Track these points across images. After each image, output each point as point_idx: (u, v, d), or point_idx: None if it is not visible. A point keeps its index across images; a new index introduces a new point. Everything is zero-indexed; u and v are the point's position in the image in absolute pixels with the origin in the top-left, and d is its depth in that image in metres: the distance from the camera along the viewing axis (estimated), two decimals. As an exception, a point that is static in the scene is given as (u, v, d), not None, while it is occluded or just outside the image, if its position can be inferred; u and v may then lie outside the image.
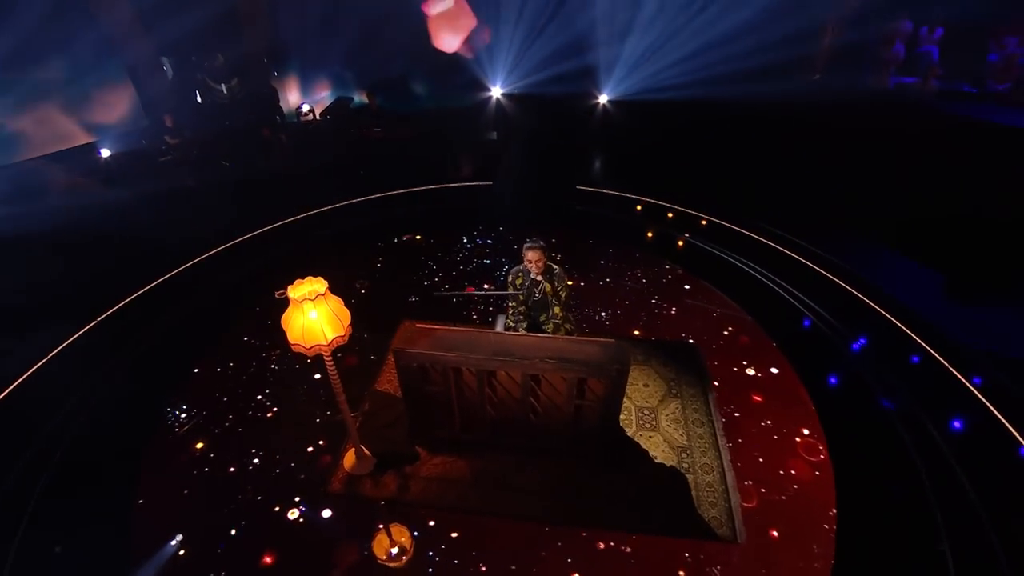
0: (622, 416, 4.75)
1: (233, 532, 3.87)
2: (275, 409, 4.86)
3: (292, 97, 11.79)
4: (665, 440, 4.53)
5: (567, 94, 11.54)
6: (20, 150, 9.74)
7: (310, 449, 4.47)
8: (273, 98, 10.91)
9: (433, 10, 11.61)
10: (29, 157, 9.78)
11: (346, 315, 3.47)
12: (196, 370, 5.35)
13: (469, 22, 11.95)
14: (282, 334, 3.39)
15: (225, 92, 10.07)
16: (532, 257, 4.24)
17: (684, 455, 4.43)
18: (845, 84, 10.48)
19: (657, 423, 4.69)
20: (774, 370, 5.22)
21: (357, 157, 9.94)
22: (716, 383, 5.07)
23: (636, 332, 5.71)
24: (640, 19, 11.26)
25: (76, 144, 10.11)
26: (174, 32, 9.57)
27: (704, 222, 7.88)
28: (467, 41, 12.23)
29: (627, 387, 5.03)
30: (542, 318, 4.52)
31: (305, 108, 10.78)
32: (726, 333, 5.71)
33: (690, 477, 4.24)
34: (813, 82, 11.10)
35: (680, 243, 7.42)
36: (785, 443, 4.51)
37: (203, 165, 9.45)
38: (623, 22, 11.37)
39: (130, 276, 6.71)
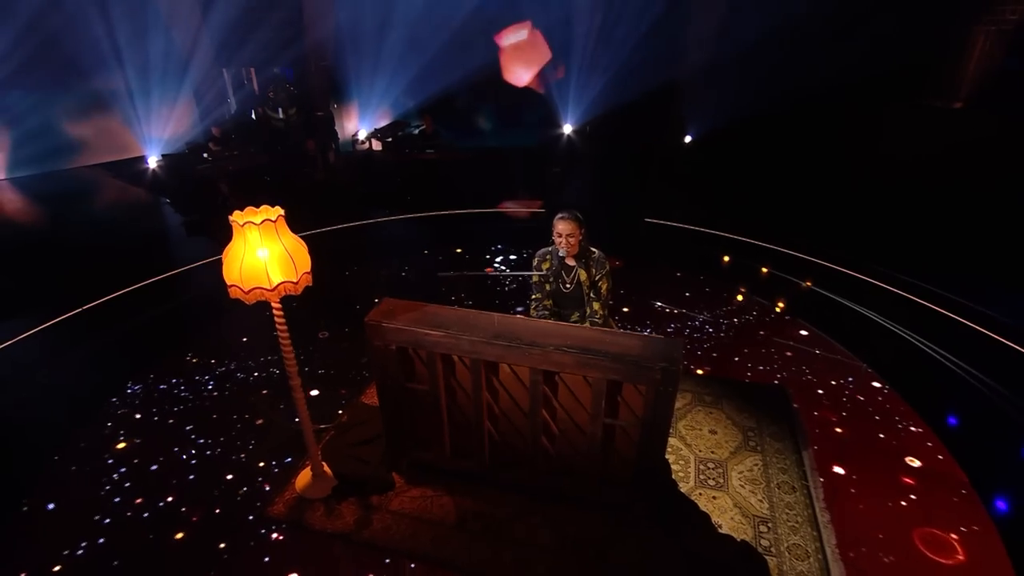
0: (677, 466, 3.75)
1: (116, 562, 3.16)
2: (240, 413, 4.26)
3: (350, 125, 12.14)
4: (736, 505, 3.47)
5: (653, 130, 11.17)
6: (77, 157, 10.41)
7: (262, 464, 3.76)
8: (329, 124, 11.23)
9: (506, 42, 11.82)
10: (84, 164, 10.42)
11: (304, 257, 2.88)
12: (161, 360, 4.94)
13: (542, 55, 12.05)
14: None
15: (282, 118, 10.46)
16: (563, 230, 3.53)
17: (764, 529, 3.34)
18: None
19: (726, 481, 3.64)
20: (912, 428, 4.07)
21: (407, 179, 9.86)
22: (815, 440, 3.99)
23: (705, 369, 4.74)
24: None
25: (133, 155, 10.75)
26: (241, 53, 10.21)
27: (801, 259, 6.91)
28: (539, 75, 12.29)
29: (688, 430, 4.08)
30: (574, 318, 3.73)
31: (361, 135, 10.98)
32: (833, 383, 4.62)
33: (772, 561, 3.13)
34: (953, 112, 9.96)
35: (765, 271, 6.49)
36: (923, 534, 3.32)
37: (240, 175, 9.66)
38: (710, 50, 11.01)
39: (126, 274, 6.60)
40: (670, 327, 5.44)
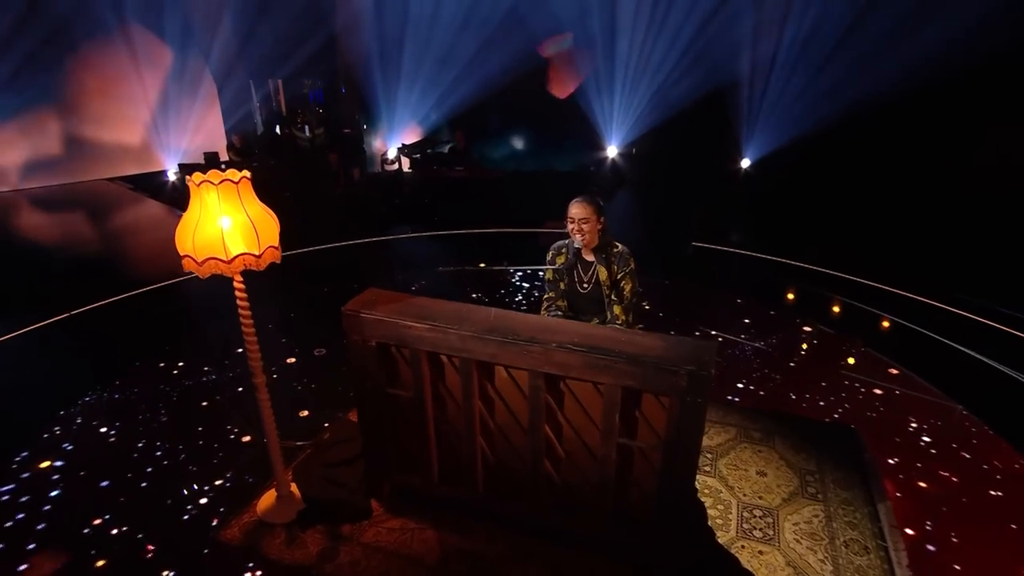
0: (715, 511, 3.18)
1: None
2: (210, 425, 3.94)
3: (380, 144, 12.17)
4: (790, 564, 2.86)
5: (700, 152, 10.77)
6: (97, 169, 10.75)
7: (225, 482, 3.40)
8: (356, 142, 11.25)
9: (549, 51, 11.75)
10: (107, 177, 10.76)
11: (271, 229, 2.58)
12: (137, 363, 4.77)
13: (585, 67, 11.89)
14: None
15: (307, 136, 10.58)
16: (576, 213, 3.13)
17: (825, 596, 2.73)
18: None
19: (777, 534, 3.04)
20: (1020, 482, 3.38)
21: (435, 197, 9.68)
22: (895, 490, 3.35)
23: (755, 401, 4.16)
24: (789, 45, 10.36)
25: (156, 169, 11.06)
26: (270, 66, 10.49)
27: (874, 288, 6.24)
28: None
29: (730, 470, 3.51)
30: (593, 323, 3.29)
31: (391, 155, 10.96)
32: (916, 424, 3.96)
33: (835, 637, 2.52)
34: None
35: (836, 308, 5.85)
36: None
37: (256, 186, 9.53)
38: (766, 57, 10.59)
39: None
40: (734, 359, 4.90)
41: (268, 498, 3.15)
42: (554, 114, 11.51)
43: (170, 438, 3.84)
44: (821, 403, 4.20)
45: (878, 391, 4.38)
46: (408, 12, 11.36)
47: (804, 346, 5.11)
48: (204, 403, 4.24)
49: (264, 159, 10.18)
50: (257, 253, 2.51)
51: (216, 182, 2.40)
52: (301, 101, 11.09)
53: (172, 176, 10.44)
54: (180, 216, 2.52)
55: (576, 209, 3.12)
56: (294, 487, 3.18)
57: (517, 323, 2.69)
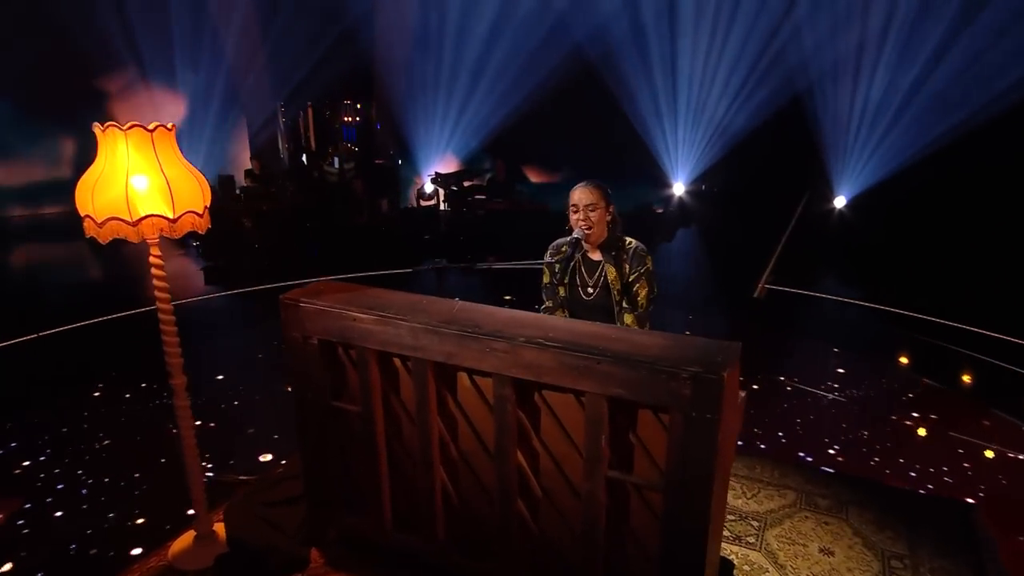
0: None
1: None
2: (146, 453, 3.60)
3: (417, 178, 12.17)
4: None
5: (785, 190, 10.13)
6: None
7: (141, 519, 3.00)
8: (387, 173, 11.18)
9: None
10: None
11: (194, 192, 2.27)
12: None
13: None
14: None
15: (336, 169, 10.64)
16: (579, 199, 2.67)
17: None
18: None
19: (846, 633, 2.30)
20: None
21: (470, 232, 9.39)
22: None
23: (828, 463, 3.42)
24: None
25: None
26: (303, 94, 10.79)
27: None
28: None
29: (782, 543, 2.80)
30: (600, 337, 2.76)
31: (427, 188, 10.69)
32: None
33: None
34: None
35: (954, 362, 5.05)
36: None
37: (272, 216, 9.27)
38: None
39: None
40: (785, 403, 4.21)
41: (185, 540, 2.70)
42: (608, 144, 11.08)
43: (102, 470, 3.52)
44: (920, 469, 3.43)
45: (1002, 458, 3.56)
46: (448, 42, 11.53)
47: (905, 401, 4.34)
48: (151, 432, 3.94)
49: (283, 186, 10.19)
50: (171, 216, 2.20)
51: (124, 127, 2.14)
52: (333, 135, 11.27)
53: None
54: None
55: (580, 194, 2.68)
56: (220, 527, 2.73)
57: (482, 315, 2.23)
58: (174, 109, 11.57)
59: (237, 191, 10.11)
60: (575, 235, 2.68)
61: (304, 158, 11.56)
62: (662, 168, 11.33)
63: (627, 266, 2.70)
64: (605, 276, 2.73)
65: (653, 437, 1.95)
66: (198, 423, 3.99)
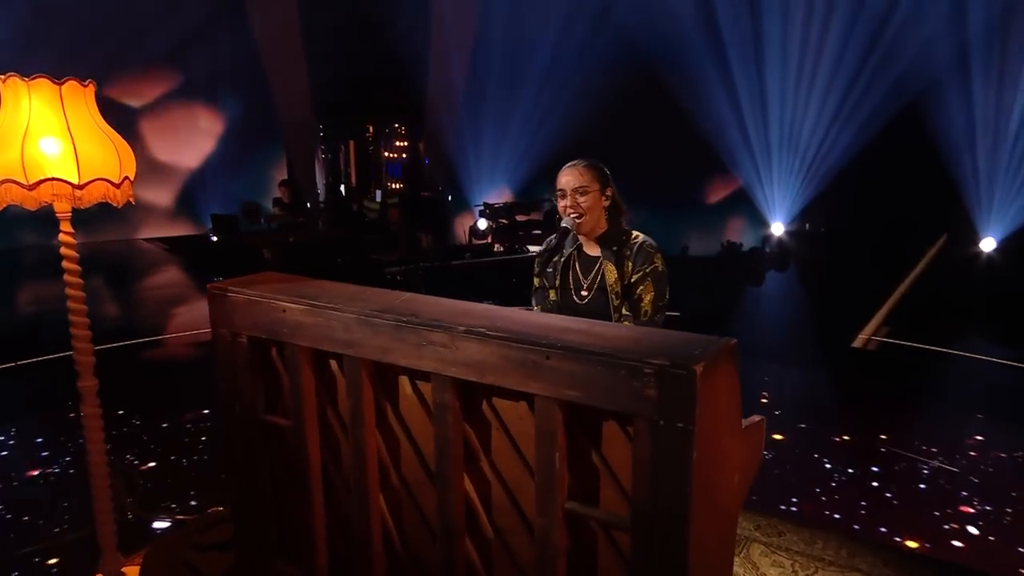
0: None
1: None
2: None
3: (469, 217, 12.01)
4: None
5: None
6: (135, 228, 11.32)
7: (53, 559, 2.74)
8: (434, 206, 10.99)
9: None
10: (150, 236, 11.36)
11: (110, 158, 2.10)
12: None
13: None
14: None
15: (377, 203, 10.61)
16: (569, 183, 2.35)
17: None
18: None
19: None
20: None
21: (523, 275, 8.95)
22: None
23: (904, 540, 2.85)
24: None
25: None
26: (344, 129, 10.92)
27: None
28: None
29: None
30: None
31: (481, 225, 10.28)
32: None
33: None
34: None
35: None
36: None
37: (298, 249, 8.94)
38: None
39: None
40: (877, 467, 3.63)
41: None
42: (688, 173, 10.49)
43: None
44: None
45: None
46: (503, 68, 11.53)
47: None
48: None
49: (313, 217, 10.11)
50: (77, 183, 2.02)
51: (27, 79, 2.00)
52: (376, 171, 11.38)
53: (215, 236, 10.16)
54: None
55: (568, 176, 2.36)
56: (129, 571, 2.43)
57: (425, 304, 1.92)
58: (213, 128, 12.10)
59: (262, 220, 10.08)
60: (563, 224, 2.35)
61: (342, 189, 11.68)
62: (756, 205, 10.59)
63: (630, 263, 2.33)
64: (603, 276, 2.37)
65: (620, 457, 1.56)
66: (171, 457, 3.85)
